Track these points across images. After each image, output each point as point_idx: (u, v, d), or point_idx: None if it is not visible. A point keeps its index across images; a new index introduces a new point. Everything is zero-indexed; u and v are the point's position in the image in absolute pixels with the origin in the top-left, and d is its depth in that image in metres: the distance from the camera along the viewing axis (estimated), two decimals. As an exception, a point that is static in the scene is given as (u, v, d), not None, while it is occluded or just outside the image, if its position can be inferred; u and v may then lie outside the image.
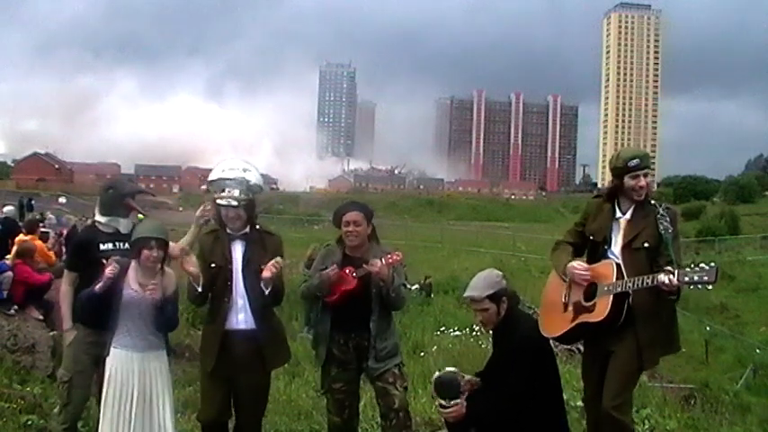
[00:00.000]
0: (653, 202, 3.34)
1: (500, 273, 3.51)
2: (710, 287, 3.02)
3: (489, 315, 3.40)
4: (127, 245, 3.76)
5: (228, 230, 3.61)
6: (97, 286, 3.45)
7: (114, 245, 3.87)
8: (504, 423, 3.28)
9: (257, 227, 3.67)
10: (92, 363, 3.84)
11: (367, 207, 3.85)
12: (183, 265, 3.52)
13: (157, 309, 3.49)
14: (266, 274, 3.47)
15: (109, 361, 3.51)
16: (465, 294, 3.52)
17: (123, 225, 3.95)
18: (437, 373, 3.60)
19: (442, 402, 3.41)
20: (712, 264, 3.03)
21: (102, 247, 3.88)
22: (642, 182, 3.32)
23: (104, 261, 3.71)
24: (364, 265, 3.60)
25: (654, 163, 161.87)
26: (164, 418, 3.47)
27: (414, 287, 17.64)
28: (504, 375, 3.33)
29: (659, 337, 3.29)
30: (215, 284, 3.55)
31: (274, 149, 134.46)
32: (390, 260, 3.62)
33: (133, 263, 3.54)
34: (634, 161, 3.31)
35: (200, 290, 3.50)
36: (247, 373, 3.55)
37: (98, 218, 4.07)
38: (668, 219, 3.25)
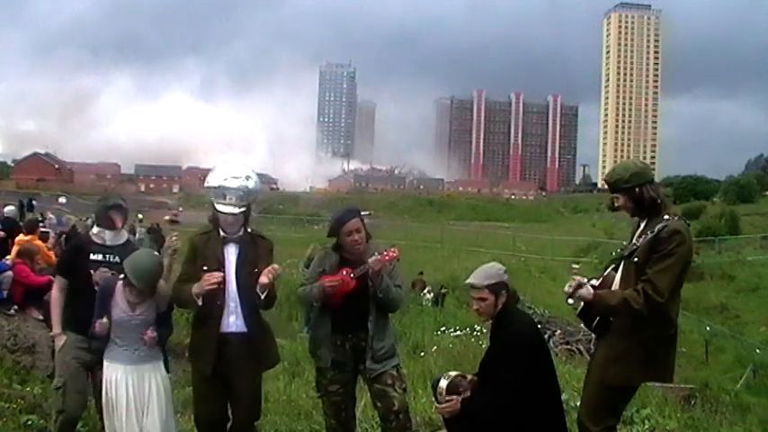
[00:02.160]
0: (667, 216, 3.17)
1: (503, 267, 3.52)
2: (570, 301, 3.18)
3: (486, 305, 3.41)
4: (117, 258, 3.82)
5: (222, 233, 3.60)
6: (94, 334, 3.55)
7: (104, 256, 3.92)
8: (500, 419, 3.29)
9: (249, 230, 3.67)
10: (83, 368, 3.87)
11: (359, 209, 3.86)
12: (201, 288, 3.46)
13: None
14: (264, 279, 3.45)
15: (104, 374, 3.53)
16: (466, 281, 3.53)
17: (109, 237, 4.00)
18: (443, 382, 3.56)
19: (439, 399, 3.43)
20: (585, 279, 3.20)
21: (92, 256, 3.93)
22: (617, 204, 3.34)
23: (92, 272, 3.79)
24: (364, 265, 3.58)
25: (654, 163, 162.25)
26: (156, 427, 3.47)
27: (429, 294, 17.53)
28: (499, 371, 3.34)
29: (632, 356, 3.15)
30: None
31: (274, 149, 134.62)
32: (387, 257, 3.61)
33: (119, 282, 3.54)
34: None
35: (200, 303, 3.48)
36: (242, 374, 3.55)
37: (93, 228, 4.17)
38: (654, 235, 3.12)
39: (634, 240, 3.28)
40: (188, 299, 3.48)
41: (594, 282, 3.37)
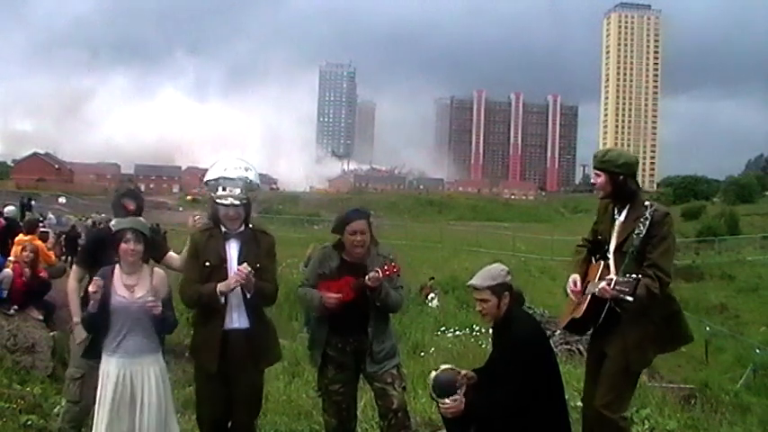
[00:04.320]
0: (647, 203, 3.31)
1: (506, 268, 3.50)
2: (630, 298, 3.08)
3: (489, 307, 3.40)
4: None
5: (223, 229, 3.60)
6: (90, 305, 3.45)
7: None
8: (503, 421, 3.28)
9: (250, 225, 3.67)
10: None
11: (368, 212, 3.85)
12: (228, 285, 3.45)
13: (159, 318, 3.48)
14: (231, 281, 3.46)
15: (101, 366, 3.50)
16: (468, 282, 3.53)
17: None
18: (433, 373, 3.60)
19: (440, 401, 3.43)
20: (633, 276, 3.11)
21: None
22: (594, 179, 3.46)
23: (116, 261, 3.76)
24: (363, 279, 3.57)
25: (654, 163, 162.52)
26: (152, 423, 3.44)
27: (434, 301, 17.38)
28: (502, 373, 3.34)
29: (650, 337, 3.30)
30: (209, 283, 3.51)
31: (274, 149, 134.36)
32: (387, 272, 3.61)
33: (117, 268, 3.53)
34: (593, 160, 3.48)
35: (222, 301, 3.47)
36: (244, 371, 3.55)
37: (113, 220, 4.18)
38: (648, 221, 3.23)
39: (617, 229, 3.37)
40: (209, 297, 3.46)
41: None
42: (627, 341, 3.28)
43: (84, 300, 3.90)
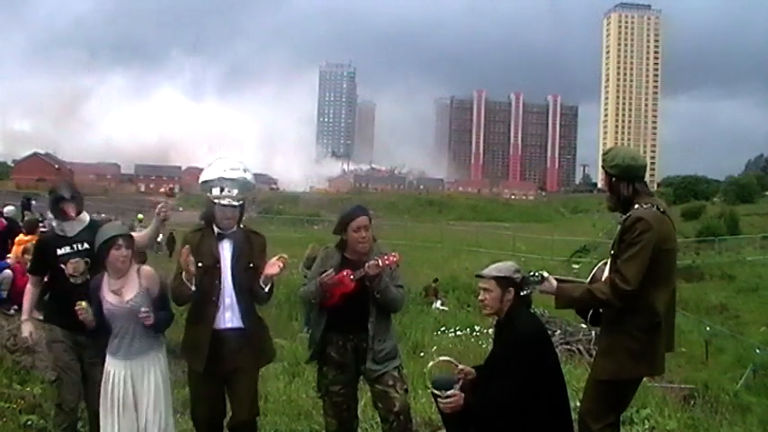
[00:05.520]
0: (636, 206, 3.15)
1: (517, 267, 3.48)
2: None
3: (491, 298, 3.41)
4: (86, 245, 3.83)
5: (216, 230, 3.60)
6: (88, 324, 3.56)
7: (72, 247, 3.93)
8: (503, 420, 3.28)
9: (242, 226, 3.68)
10: (74, 360, 3.90)
11: (367, 209, 3.87)
12: (185, 264, 3.42)
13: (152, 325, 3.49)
14: (272, 270, 3.47)
15: (105, 368, 3.52)
16: (476, 273, 3.55)
17: (69, 228, 3.99)
18: (430, 364, 3.61)
19: (438, 393, 3.44)
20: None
21: (59, 251, 3.94)
22: (602, 176, 3.39)
23: (63, 266, 3.83)
24: (363, 268, 3.57)
25: (654, 163, 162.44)
26: (153, 422, 3.45)
27: (440, 306, 17.32)
28: (502, 369, 3.34)
29: (618, 348, 3.13)
30: (202, 283, 3.51)
31: (274, 149, 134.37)
32: (387, 261, 3.60)
33: (105, 275, 3.52)
34: None
35: (193, 288, 3.45)
36: (240, 370, 3.55)
37: (54, 222, 4.28)
38: (621, 226, 3.14)
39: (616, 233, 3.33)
40: (181, 288, 3.46)
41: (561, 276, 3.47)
42: (599, 348, 3.27)
43: (51, 302, 4.05)
